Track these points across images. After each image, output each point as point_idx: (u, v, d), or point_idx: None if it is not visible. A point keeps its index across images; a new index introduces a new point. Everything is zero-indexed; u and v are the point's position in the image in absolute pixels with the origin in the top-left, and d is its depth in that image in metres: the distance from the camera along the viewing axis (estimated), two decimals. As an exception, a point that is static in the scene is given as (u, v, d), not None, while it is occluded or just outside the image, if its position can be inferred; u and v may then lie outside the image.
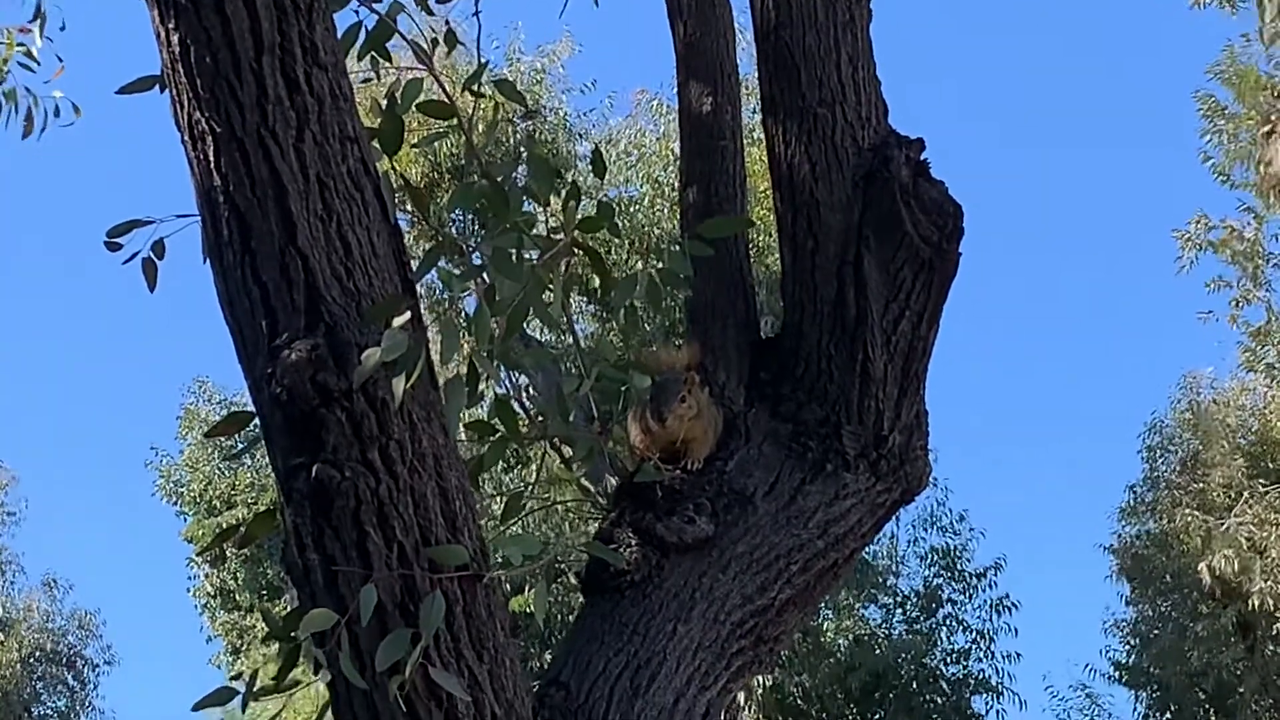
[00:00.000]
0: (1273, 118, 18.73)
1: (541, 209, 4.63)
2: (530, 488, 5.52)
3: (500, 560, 4.43)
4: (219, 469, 31.81)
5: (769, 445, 5.44)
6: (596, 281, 23.03)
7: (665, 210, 24.33)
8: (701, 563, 5.21)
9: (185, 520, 32.19)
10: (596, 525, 5.51)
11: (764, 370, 5.63)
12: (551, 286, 4.50)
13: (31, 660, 35.83)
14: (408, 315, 3.96)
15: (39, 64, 9.49)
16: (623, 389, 5.15)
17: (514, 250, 4.36)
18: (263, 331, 4.09)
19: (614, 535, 5.27)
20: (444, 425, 4.23)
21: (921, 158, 5.52)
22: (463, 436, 4.81)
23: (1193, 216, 26.72)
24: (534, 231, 4.50)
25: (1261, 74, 25.63)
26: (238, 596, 31.93)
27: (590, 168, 22.27)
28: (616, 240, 22.59)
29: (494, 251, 4.29)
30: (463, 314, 5.04)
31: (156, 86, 4.70)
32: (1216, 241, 26.56)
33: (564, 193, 4.58)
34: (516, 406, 4.82)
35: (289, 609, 4.30)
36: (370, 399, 4.01)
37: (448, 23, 5.85)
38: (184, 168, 4.22)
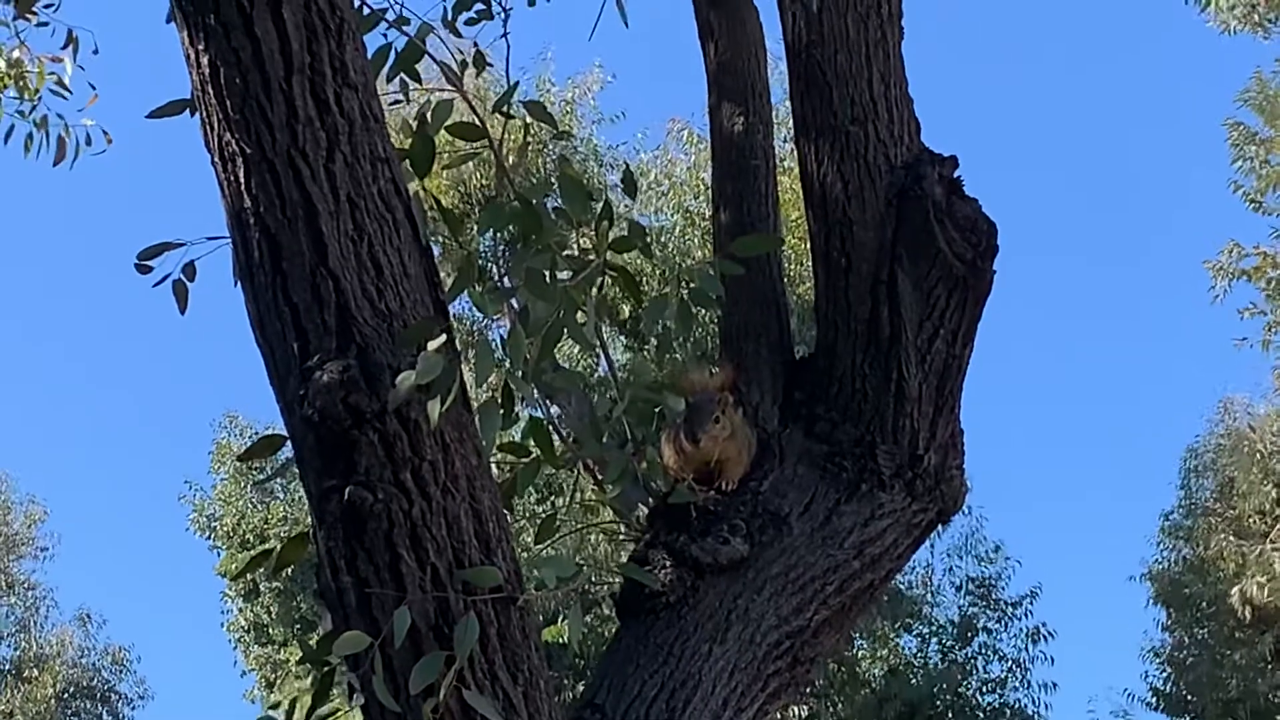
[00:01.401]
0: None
1: (574, 230, 4.61)
2: (564, 509, 5.50)
3: (534, 582, 4.41)
4: (252, 503, 31.82)
5: (803, 466, 5.42)
6: (627, 311, 23.10)
7: (696, 239, 24.36)
8: (736, 584, 5.18)
9: (219, 554, 32.21)
10: (631, 548, 5.48)
11: (798, 390, 5.61)
12: (584, 308, 4.48)
13: (65, 696, 35.92)
14: (443, 338, 3.94)
15: (70, 93, 9.53)
16: (656, 411, 5.14)
17: (547, 271, 4.35)
18: (294, 353, 4.07)
19: (649, 557, 5.24)
20: (477, 446, 4.20)
21: (955, 175, 5.50)
22: (496, 458, 4.78)
23: (1224, 246, 26.65)
24: (565, 253, 4.48)
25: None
26: (271, 630, 31.90)
27: (622, 191, 22.27)
28: (648, 270, 22.63)
29: (527, 272, 4.27)
30: (495, 336, 5.03)
31: (187, 110, 4.70)
32: (1250, 269, 26.47)
33: (597, 213, 4.56)
34: (550, 429, 4.78)
35: (322, 635, 4.27)
36: (403, 420, 3.99)
37: (475, 45, 5.86)
38: (214, 191, 4.21)
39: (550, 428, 4.82)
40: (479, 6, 6.01)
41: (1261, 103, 26.55)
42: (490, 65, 5.79)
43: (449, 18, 5.98)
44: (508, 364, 4.22)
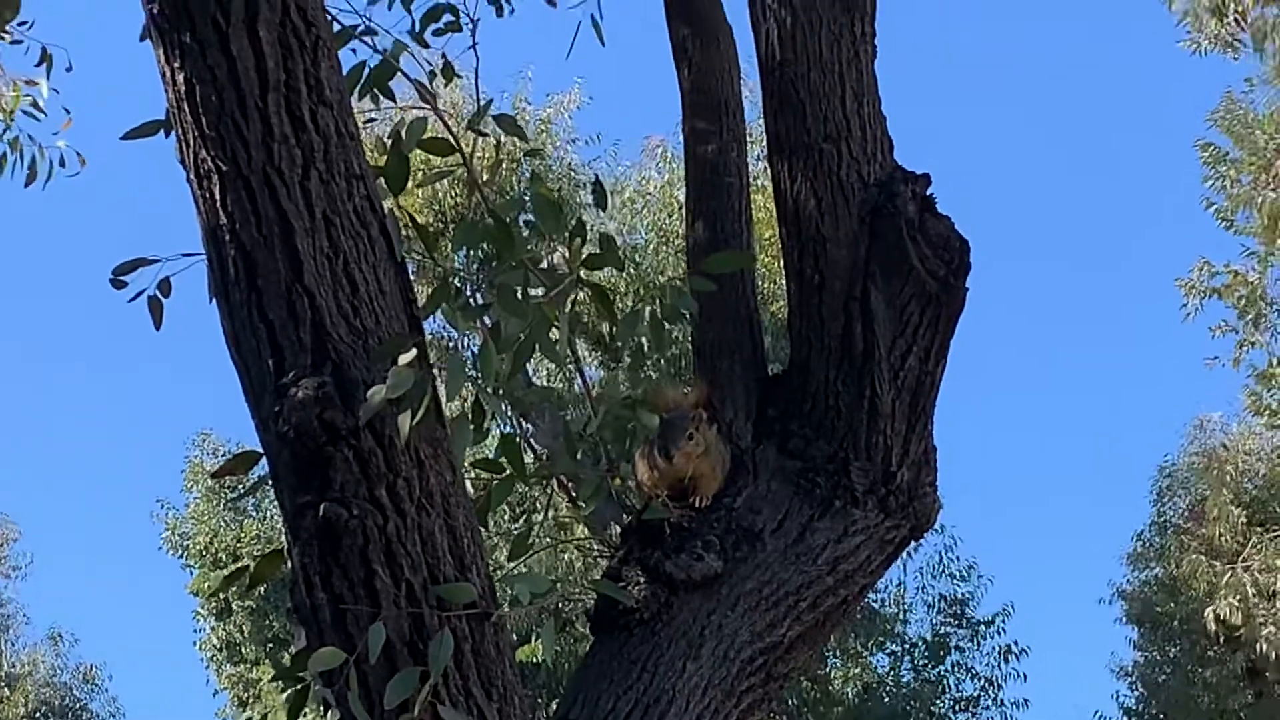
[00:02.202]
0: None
1: (546, 246, 4.62)
2: (538, 527, 5.51)
3: (508, 598, 4.41)
4: (225, 521, 31.71)
5: (777, 482, 5.43)
6: (602, 328, 23.08)
7: (670, 257, 24.35)
8: (710, 600, 5.19)
9: (191, 573, 32.10)
10: (605, 565, 5.49)
11: (772, 407, 5.62)
12: (558, 324, 4.49)
13: (37, 715, 35.78)
14: (414, 352, 3.94)
15: (45, 114, 9.52)
16: (630, 427, 5.14)
17: (519, 287, 4.35)
18: (269, 369, 4.08)
19: (623, 573, 5.25)
20: (452, 463, 4.21)
21: (928, 193, 5.52)
22: (470, 475, 4.79)
23: (1195, 264, 26.73)
24: (539, 269, 4.49)
25: (1260, 114, 25.68)
26: (244, 649, 31.78)
27: (594, 206, 22.32)
28: (622, 287, 22.64)
29: (499, 288, 4.28)
30: (469, 353, 5.04)
31: (161, 131, 4.71)
32: (1221, 287, 26.54)
33: (569, 229, 4.57)
34: (522, 445, 4.78)
35: (297, 651, 4.27)
36: (378, 436, 3.99)
37: (444, 56, 5.87)
38: (187, 210, 4.22)
39: (523, 444, 4.83)
40: (447, 18, 6.01)
41: (1231, 123, 26.64)
42: (460, 76, 5.79)
43: (416, 30, 5.98)
44: (479, 379, 4.23)
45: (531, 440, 5.17)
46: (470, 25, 5.93)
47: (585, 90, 27.02)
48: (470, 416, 4.24)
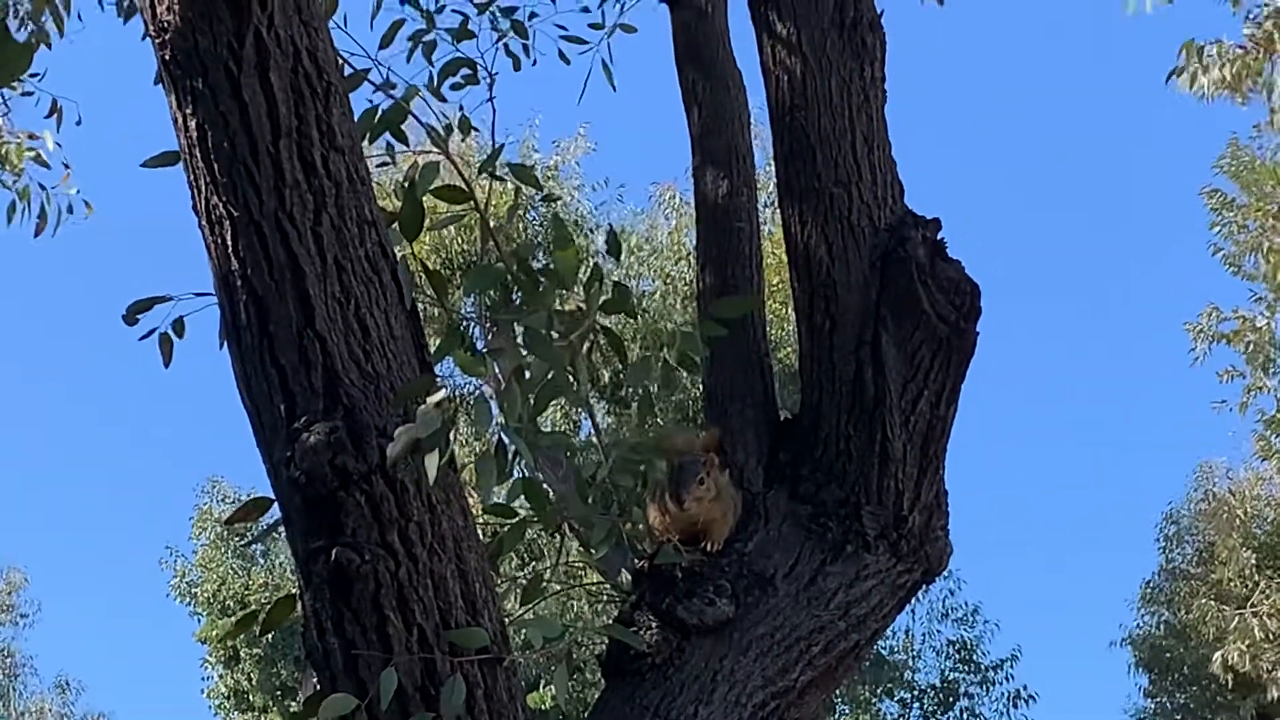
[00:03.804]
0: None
1: (563, 292, 4.62)
2: (549, 572, 5.48)
3: (520, 643, 4.41)
4: (233, 569, 31.74)
5: (788, 526, 5.42)
6: (607, 377, 23.11)
7: (677, 304, 24.40)
8: (722, 645, 5.18)
9: (199, 621, 32.12)
10: (616, 610, 5.48)
11: (783, 451, 5.61)
12: (573, 368, 4.49)
13: (45, 763, 35.74)
14: (443, 393, 3.94)
15: (49, 167, 9.61)
16: (641, 472, 5.14)
17: (545, 330, 4.35)
18: (281, 415, 4.08)
19: (634, 618, 5.24)
20: (464, 508, 4.21)
21: (938, 237, 5.52)
22: (481, 520, 4.79)
23: (1204, 309, 26.76)
24: (559, 311, 4.49)
25: (1265, 162, 25.71)
26: (252, 697, 31.77)
27: (605, 256, 22.33)
28: (628, 334, 22.67)
29: (528, 331, 4.26)
30: (478, 396, 5.03)
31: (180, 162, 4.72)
32: (1229, 333, 26.56)
33: (587, 274, 4.57)
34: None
35: (308, 697, 4.26)
36: (390, 482, 3.99)
37: (461, 109, 5.89)
38: (197, 253, 4.23)
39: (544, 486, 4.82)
40: (465, 72, 6.05)
41: (1237, 169, 26.69)
42: (476, 130, 5.82)
43: (434, 83, 6.01)
44: (500, 419, 4.22)
45: (546, 485, 5.17)
46: (488, 79, 5.97)
47: (591, 137, 27.14)
48: (495, 454, 4.24)
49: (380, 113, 5.06)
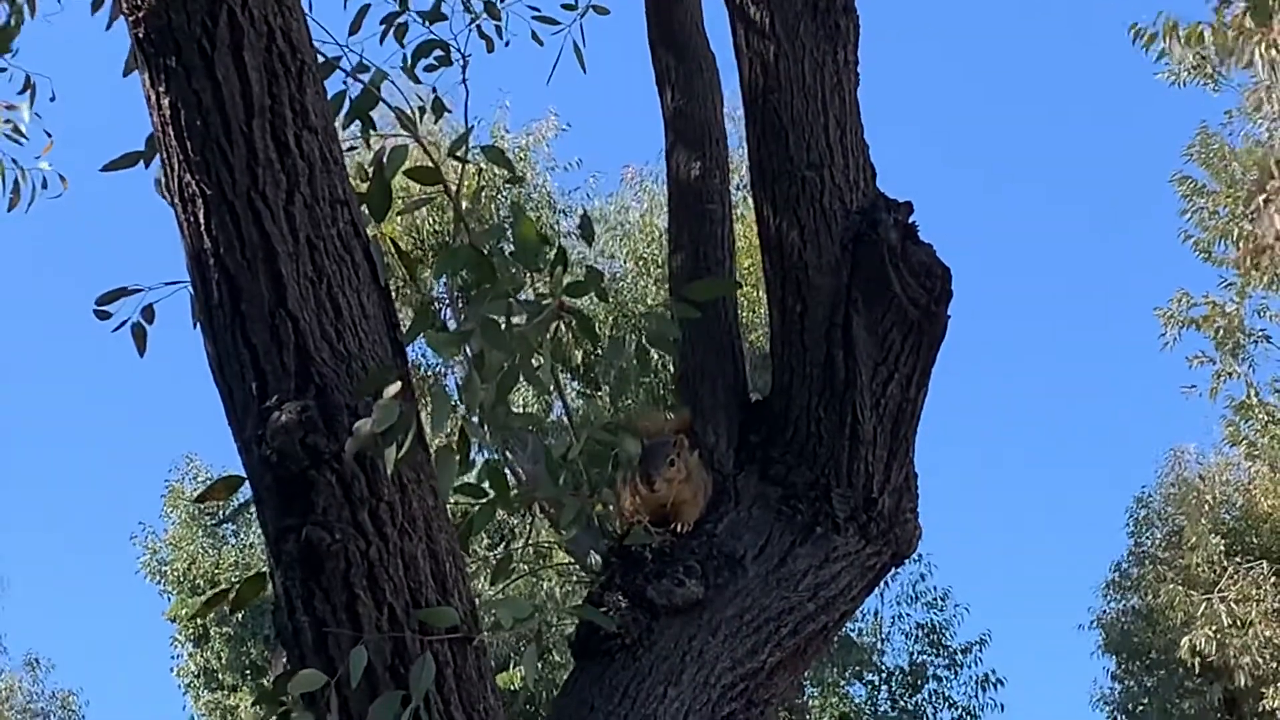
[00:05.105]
0: (1268, 187, 18.73)
1: (528, 275, 4.62)
2: (519, 553, 5.50)
3: (489, 623, 4.41)
4: (203, 548, 31.68)
5: (758, 508, 5.44)
6: (579, 358, 23.12)
7: (650, 286, 24.39)
8: (691, 626, 5.19)
9: (169, 599, 32.06)
10: (586, 590, 5.49)
11: (753, 433, 5.63)
12: (540, 352, 4.49)
13: (14, 741, 35.68)
14: (399, 385, 3.94)
15: (27, 139, 9.50)
16: (611, 453, 5.15)
17: (503, 317, 4.35)
18: (253, 394, 4.07)
19: (604, 599, 5.25)
20: (434, 488, 4.21)
21: (910, 220, 5.54)
22: (452, 501, 4.79)
23: (1174, 294, 26.86)
24: (522, 296, 4.49)
25: (1236, 147, 25.81)
26: (221, 676, 31.72)
27: (577, 238, 22.33)
28: (601, 316, 22.67)
29: (482, 321, 4.27)
30: (452, 380, 5.04)
31: (141, 162, 4.72)
32: (1199, 318, 26.67)
33: (549, 260, 4.58)
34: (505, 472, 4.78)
35: (276, 676, 4.27)
36: (361, 461, 3.99)
37: (434, 91, 5.88)
38: (169, 239, 4.23)
39: (505, 471, 4.83)
40: (438, 53, 6.04)
41: (1208, 156, 26.79)
42: (449, 111, 5.81)
43: (408, 64, 6.00)
44: (463, 409, 4.23)
45: (513, 467, 5.17)
46: (460, 61, 5.96)
47: (563, 118, 27.11)
48: (455, 448, 4.25)
49: (349, 98, 5.05)
